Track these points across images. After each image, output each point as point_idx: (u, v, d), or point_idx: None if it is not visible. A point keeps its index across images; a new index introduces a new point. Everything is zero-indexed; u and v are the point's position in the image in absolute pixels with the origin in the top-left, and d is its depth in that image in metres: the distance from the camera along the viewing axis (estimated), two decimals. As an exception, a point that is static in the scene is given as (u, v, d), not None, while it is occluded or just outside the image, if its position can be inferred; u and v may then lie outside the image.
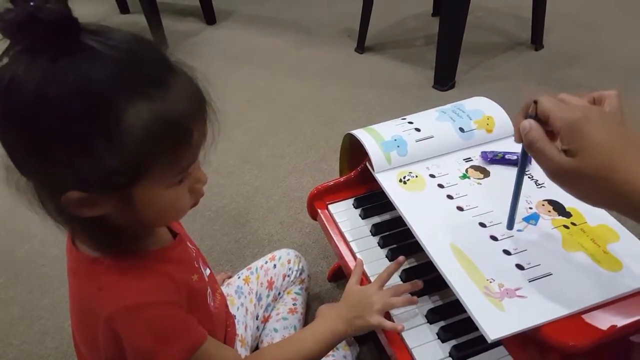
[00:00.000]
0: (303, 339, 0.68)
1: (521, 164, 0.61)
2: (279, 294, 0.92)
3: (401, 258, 0.75)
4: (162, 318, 0.53)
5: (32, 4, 0.39)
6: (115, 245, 0.52)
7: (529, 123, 0.53)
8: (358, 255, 0.81)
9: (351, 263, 0.80)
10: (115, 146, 0.42)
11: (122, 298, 0.51)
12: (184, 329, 0.54)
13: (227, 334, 0.74)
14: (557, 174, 0.50)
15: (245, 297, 0.88)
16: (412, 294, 0.73)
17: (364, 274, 0.78)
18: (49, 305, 1.10)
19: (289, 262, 0.94)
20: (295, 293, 0.93)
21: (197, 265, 0.63)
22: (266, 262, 0.94)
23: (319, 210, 0.91)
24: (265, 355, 0.68)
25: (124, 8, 2.44)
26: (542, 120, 0.53)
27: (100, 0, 2.53)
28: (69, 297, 0.58)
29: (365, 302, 0.70)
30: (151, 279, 0.54)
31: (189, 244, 0.66)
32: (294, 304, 0.90)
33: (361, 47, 2.01)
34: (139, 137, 0.42)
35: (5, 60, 0.41)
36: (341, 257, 0.83)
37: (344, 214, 0.89)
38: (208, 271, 0.69)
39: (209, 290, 0.65)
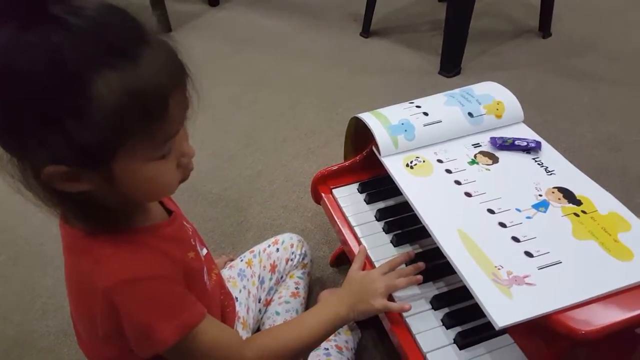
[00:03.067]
0: (305, 323, 0.67)
1: None
2: (282, 277, 0.92)
3: (412, 253, 0.74)
4: (160, 292, 0.52)
5: None
6: (106, 223, 0.51)
7: None
8: (362, 240, 0.80)
9: (355, 248, 0.80)
10: (84, 119, 0.41)
11: (120, 271, 0.50)
12: (182, 305, 0.54)
13: (225, 315, 0.73)
14: None
15: (248, 279, 0.88)
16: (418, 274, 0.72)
17: (367, 259, 0.77)
18: (50, 285, 1.10)
19: (292, 246, 0.93)
20: (298, 277, 0.92)
21: (193, 243, 0.62)
22: (269, 246, 0.93)
23: (323, 195, 0.90)
24: (267, 336, 0.67)
25: (125, -12, 2.41)
26: None
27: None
28: (65, 275, 0.57)
29: (368, 287, 0.69)
30: (147, 254, 0.53)
31: (185, 222, 0.65)
32: (296, 288, 0.90)
33: (367, 32, 1.98)
34: (108, 110, 0.41)
35: None
36: (345, 242, 0.82)
37: (348, 198, 0.88)
38: (205, 251, 0.68)
39: (205, 269, 0.64)
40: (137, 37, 0.43)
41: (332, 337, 0.82)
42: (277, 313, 0.86)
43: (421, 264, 0.73)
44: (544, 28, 1.91)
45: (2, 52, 0.39)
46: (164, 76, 0.44)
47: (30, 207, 0.50)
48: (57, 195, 0.47)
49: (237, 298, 0.83)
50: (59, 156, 0.43)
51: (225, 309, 0.74)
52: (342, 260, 1.07)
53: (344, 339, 0.84)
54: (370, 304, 0.68)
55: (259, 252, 0.93)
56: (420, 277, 0.71)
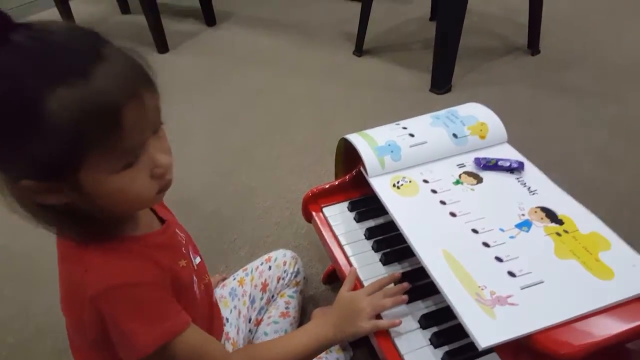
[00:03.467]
0: (292, 341, 0.68)
1: None
2: (273, 296, 0.92)
3: (397, 274, 0.76)
4: (145, 299, 0.53)
5: None
6: (94, 232, 0.53)
7: None
8: (352, 259, 0.81)
9: (344, 266, 0.81)
10: (40, 136, 0.43)
11: (107, 278, 0.51)
12: (166, 312, 0.55)
13: (213, 327, 0.74)
14: None
15: (239, 299, 0.88)
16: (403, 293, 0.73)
17: (357, 280, 0.78)
18: (44, 303, 1.10)
19: (284, 263, 0.93)
20: (289, 296, 0.92)
21: (185, 252, 0.63)
22: (262, 264, 0.94)
23: (314, 213, 0.91)
24: (253, 350, 0.69)
25: (124, 8, 2.44)
26: None
27: (102, 0, 2.53)
28: (59, 285, 0.58)
29: (356, 309, 0.70)
30: (136, 261, 0.54)
31: (178, 231, 0.66)
32: (286, 308, 0.90)
33: (359, 50, 2.01)
34: (62, 126, 0.43)
35: None
36: (335, 260, 0.83)
37: (339, 217, 0.89)
38: (198, 259, 0.69)
39: (194, 278, 0.65)
40: (91, 53, 0.45)
41: (323, 355, 0.83)
42: (265, 334, 0.86)
43: (406, 284, 0.74)
44: (533, 45, 1.95)
45: None
46: (117, 89, 0.45)
47: (24, 225, 0.52)
48: (42, 209, 0.49)
49: (227, 319, 0.84)
50: (26, 172, 0.45)
51: (212, 320, 0.74)
52: (335, 277, 1.08)
53: (335, 356, 0.85)
54: (358, 325, 0.69)
55: (252, 270, 0.93)
56: (405, 297, 0.72)
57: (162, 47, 2.07)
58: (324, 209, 0.91)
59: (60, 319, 1.03)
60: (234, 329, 0.83)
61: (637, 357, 0.70)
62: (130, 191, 0.50)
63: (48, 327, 1.06)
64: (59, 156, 0.44)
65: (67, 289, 0.57)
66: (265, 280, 0.92)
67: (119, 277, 0.52)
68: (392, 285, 0.75)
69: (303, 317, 0.98)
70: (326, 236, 0.87)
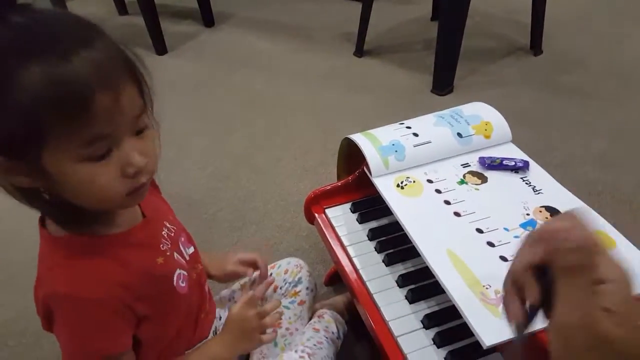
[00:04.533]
0: None
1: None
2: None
3: (271, 279, 0.81)
4: (85, 315, 0.54)
5: None
6: (72, 223, 0.53)
7: None
8: (355, 260, 0.81)
9: (348, 268, 0.80)
10: (6, 105, 0.44)
11: (60, 283, 0.52)
12: (102, 334, 0.56)
13: (199, 321, 0.72)
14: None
15: (235, 302, 0.86)
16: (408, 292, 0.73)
17: (360, 278, 0.77)
18: (44, 308, 1.10)
19: (285, 272, 0.90)
20: (284, 306, 0.86)
21: (164, 248, 0.62)
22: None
23: (316, 215, 0.91)
24: None
25: (122, 9, 2.44)
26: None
27: (100, 1, 2.53)
28: None
29: (246, 326, 0.70)
30: (97, 270, 0.54)
31: (167, 223, 0.65)
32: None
33: (360, 51, 2.01)
34: (27, 97, 0.43)
35: None
36: (338, 261, 0.83)
37: (341, 218, 0.89)
38: (192, 249, 0.69)
39: (179, 271, 0.64)
40: (77, 38, 0.46)
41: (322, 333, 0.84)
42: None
43: (271, 279, 0.81)
44: (535, 46, 1.95)
45: None
46: (93, 75, 0.45)
47: (22, 229, 0.52)
48: (18, 190, 0.50)
49: (220, 317, 0.82)
50: None
51: (199, 314, 0.73)
52: (337, 279, 1.08)
53: (324, 325, 0.86)
54: (249, 342, 0.71)
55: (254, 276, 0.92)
56: (279, 315, 0.76)
57: (161, 48, 2.07)
58: (327, 211, 0.91)
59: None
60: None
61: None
62: (94, 184, 0.49)
63: (47, 332, 1.05)
64: (22, 130, 0.45)
65: (37, 276, 0.57)
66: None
67: (70, 286, 0.52)
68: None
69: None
70: (329, 237, 0.86)
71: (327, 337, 0.83)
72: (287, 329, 0.85)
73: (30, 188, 0.49)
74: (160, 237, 0.63)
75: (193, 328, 0.71)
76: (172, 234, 0.66)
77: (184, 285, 0.65)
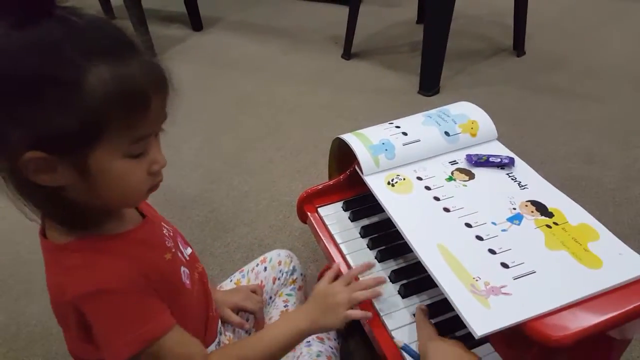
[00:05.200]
0: (266, 336, 0.68)
1: None
2: (271, 297, 0.92)
3: (373, 263, 0.79)
4: (121, 306, 0.54)
5: None
6: (78, 224, 0.54)
7: None
8: (348, 257, 0.82)
9: (341, 265, 0.82)
10: (73, 101, 0.44)
11: (84, 283, 0.52)
12: (143, 318, 0.55)
13: (209, 318, 0.73)
14: None
15: None
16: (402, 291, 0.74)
17: (338, 274, 0.79)
18: (36, 313, 1.09)
19: (279, 263, 0.93)
20: (287, 295, 0.92)
21: (169, 245, 0.64)
22: (257, 265, 0.94)
23: (309, 214, 0.92)
24: (230, 348, 0.69)
25: (110, 14, 2.44)
26: None
27: (86, 6, 2.51)
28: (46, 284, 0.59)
29: (330, 301, 0.71)
30: (117, 263, 0.54)
31: (164, 224, 0.67)
32: (285, 306, 0.91)
33: (348, 54, 2.03)
34: (97, 95, 0.45)
35: None
36: (331, 259, 0.84)
37: (334, 216, 0.90)
38: (189, 250, 0.70)
39: (183, 269, 0.65)
40: (129, 44, 0.49)
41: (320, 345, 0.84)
42: None
43: (381, 278, 0.76)
44: (518, 47, 1.99)
45: None
46: (150, 79, 0.49)
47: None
48: (33, 188, 0.49)
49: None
50: (38, 139, 0.45)
51: (208, 314, 0.74)
52: (330, 277, 1.09)
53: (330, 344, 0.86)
54: (333, 318, 0.70)
55: (247, 272, 0.93)
56: (380, 290, 0.74)
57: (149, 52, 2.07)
58: (319, 209, 0.92)
59: (51, 329, 1.04)
60: (230, 328, 0.84)
61: (620, 345, 0.73)
62: (130, 180, 0.52)
63: (39, 337, 1.05)
64: (83, 125, 0.45)
65: (51, 291, 0.57)
66: (262, 281, 0.92)
67: (96, 283, 0.52)
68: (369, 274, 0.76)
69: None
70: (322, 236, 0.88)
71: (332, 348, 0.85)
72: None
73: (51, 187, 0.49)
74: (163, 235, 0.65)
75: (203, 329, 0.71)
76: (171, 234, 0.67)
77: (188, 282, 0.66)
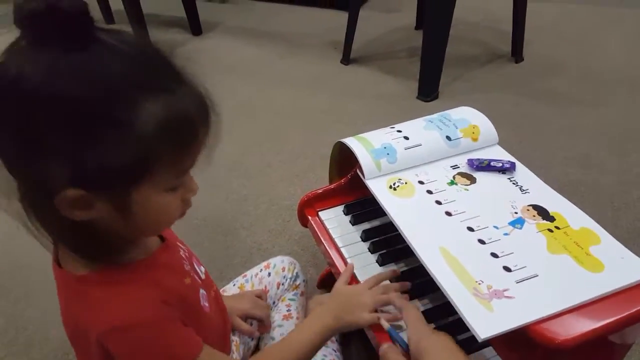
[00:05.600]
0: (295, 339, 0.69)
1: None
2: (274, 302, 0.93)
3: (398, 270, 0.78)
4: (152, 337, 0.52)
5: None
6: (101, 255, 0.51)
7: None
8: (349, 261, 0.82)
9: (342, 268, 0.82)
10: (125, 138, 0.42)
11: (111, 318, 0.50)
12: (173, 346, 0.54)
13: (226, 333, 0.73)
14: None
15: None
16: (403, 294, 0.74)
17: (354, 277, 0.79)
18: (34, 317, 1.09)
19: (283, 269, 0.94)
20: (289, 299, 0.93)
21: (187, 269, 0.63)
22: (261, 270, 0.94)
23: (310, 217, 0.92)
24: (264, 358, 0.68)
25: (109, 19, 2.44)
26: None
27: (85, 10, 2.53)
28: (61, 316, 0.56)
29: (355, 300, 0.71)
30: (140, 293, 0.53)
31: (179, 244, 0.66)
32: (287, 310, 0.91)
33: (347, 59, 2.04)
34: (148, 130, 0.42)
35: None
36: (332, 263, 0.84)
37: (334, 220, 0.91)
38: (203, 269, 0.69)
39: (202, 291, 0.65)
40: (175, 73, 0.46)
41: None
42: (272, 338, 0.87)
43: (407, 283, 0.75)
44: (516, 53, 2.00)
45: (46, 71, 0.39)
46: (198, 111, 0.47)
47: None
48: (58, 222, 0.46)
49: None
50: (82, 177, 0.42)
51: (226, 326, 0.74)
52: (330, 281, 1.09)
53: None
54: (357, 316, 0.70)
55: (251, 277, 0.94)
56: (406, 296, 0.74)
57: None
58: (320, 213, 0.92)
59: (50, 332, 1.03)
60: (235, 336, 0.84)
61: (620, 350, 0.73)
62: (167, 212, 0.51)
63: (37, 340, 1.04)
64: (133, 162, 0.43)
65: (70, 325, 0.55)
66: (265, 286, 0.92)
67: (122, 318, 0.50)
68: (388, 281, 0.77)
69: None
70: (323, 239, 0.88)
71: (335, 351, 0.85)
72: (297, 318, 0.90)
73: (84, 221, 0.46)
74: (180, 258, 0.63)
75: (222, 347, 0.70)
76: (187, 254, 0.66)
77: (207, 305, 0.65)
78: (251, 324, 0.86)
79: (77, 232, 0.48)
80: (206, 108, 0.49)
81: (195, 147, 0.48)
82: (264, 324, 0.87)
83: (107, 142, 0.41)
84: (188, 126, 0.46)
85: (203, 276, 0.68)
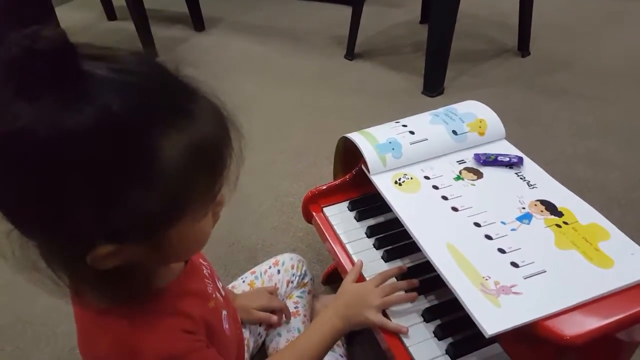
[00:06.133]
0: (305, 343, 0.68)
1: None
2: (283, 300, 0.92)
3: (405, 267, 0.77)
4: None
5: (24, 33, 0.33)
6: (126, 295, 0.47)
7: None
8: (353, 257, 0.82)
9: (347, 265, 0.81)
10: (152, 185, 0.37)
11: (139, 354, 0.47)
12: None
13: (240, 347, 0.74)
14: None
15: None
16: (410, 291, 0.74)
17: (360, 274, 0.79)
18: (41, 311, 1.09)
19: (292, 267, 0.94)
20: (297, 297, 0.93)
21: (210, 290, 0.61)
22: (270, 267, 0.94)
23: (314, 214, 0.91)
24: None
25: (111, 15, 2.44)
26: None
27: (88, 7, 2.53)
28: (79, 347, 0.54)
29: (363, 300, 0.70)
30: (167, 325, 0.50)
31: (201, 261, 0.64)
32: (295, 307, 0.90)
33: (351, 54, 2.03)
34: (175, 171, 0.38)
35: None
36: (337, 259, 0.84)
37: (339, 216, 0.90)
38: (220, 284, 0.68)
39: (224, 312, 0.63)
40: (185, 88, 0.41)
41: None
42: (279, 334, 0.87)
43: (415, 281, 0.75)
44: (523, 47, 1.98)
45: (49, 125, 0.34)
46: (215, 126, 0.42)
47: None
48: (83, 269, 0.41)
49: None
50: (118, 233, 0.38)
51: (240, 342, 0.74)
52: (334, 278, 1.09)
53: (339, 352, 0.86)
54: (365, 316, 0.69)
55: (261, 274, 0.93)
56: (415, 294, 0.73)
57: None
58: (325, 209, 0.92)
59: (57, 327, 1.03)
60: (246, 330, 0.84)
61: (629, 346, 0.72)
62: (205, 235, 0.48)
63: (45, 335, 1.05)
64: (165, 209, 0.39)
65: (88, 353, 0.53)
66: (275, 284, 0.92)
67: (150, 353, 0.47)
68: (394, 279, 0.76)
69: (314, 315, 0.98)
70: (327, 235, 0.87)
71: (342, 356, 0.85)
72: (304, 315, 0.90)
73: (118, 265, 0.42)
74: (204, 278, 0.61)
75: None
76: (209, 272, 0.64)
77: (227, 327, 0.63)
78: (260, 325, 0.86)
79: (99, 279, 0.43)
80: (224, 121, 0.44)
81: (223, 169, 0.44)
82: (282, 314, 0.86)
83: (132, 193, 0.37)
84: (212, 152, 0.42)
85: (224, 294, 0.67)
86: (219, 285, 0.67)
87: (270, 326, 0.88)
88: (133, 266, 0.44)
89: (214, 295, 0.61)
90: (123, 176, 0.36)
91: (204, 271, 0.63)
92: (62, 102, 0.34)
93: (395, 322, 0.70)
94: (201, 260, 0.64)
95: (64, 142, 0.34)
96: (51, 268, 0.43)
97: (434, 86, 1.76)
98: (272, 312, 0.85)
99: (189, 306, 0.53)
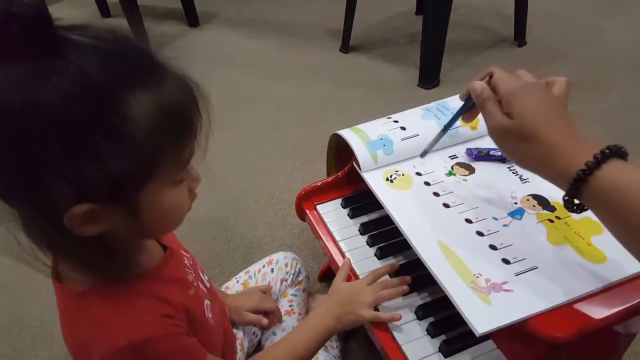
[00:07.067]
0: (295, 340, 0.68)
1: (458, 110, 0.69)
2: (277, 298, 0.92)
3: (396, 264, 0.77)
4: (154, 356, 0.50)
5: None
6: (107, 268, 0.48)
7: (481, 85, 0.62)
8: (347, 255, 0.81)
9: (340, 262, 0.81)
10: (121, 142, 0.39)
11: (114, 337, 0.48)
12: (180, 357, 0.53)
13: (227, 341, 0.72)
14: (495, 132, 0.57)
15: None
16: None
17: (352, 272, 0.78)
18: (38, 313, 1.09)
19: (286, 265, 0.94)
20: (292, 295, 0.93)
21: (191, 279, 0.61)
22: (264, 266, 0.94)
23: (307, 211, 0.91)
24: (264, 358, 0.68)
25: (105, 11, 2.42)
26: (493, 89, 0.61)
27: (81, 4, 2.51)
28: (62, 332, 0.55)
29: (355, 298, 0.70)
30: (144, 308, 0.50)
31: (183, 252, 0.64)
32: (290, 306, 0.90)
33: (346, 47, 2.01)
34: (145, 130, 0.40)
35: None
36: (330, 256, 0.83)
37: (332, 214, 0.89)
38: (206, 277, 0.68)
39: (206, 302, 0.63)
40: (152, 56, 0.44)
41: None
42: (274, 333, 0.87)
43: (407, 278, 0.74)
44: (519, 37, 1.97)
45: (23, 88, 0.36)
46: (186, 97, 0.45)
47: (18, 236, 0.49)
48: (66, 241, 0.43)
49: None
50: (87, 192, 0.40)
51: (227, 335, 0.73)
52: (330, 275, 1.08)
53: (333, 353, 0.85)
54: (358, 314, 0.69)
55: (254, 273, 0.93)
56: (406, 288, 0.73)
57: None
58: (318, 207, 0.91)
59: (54, 329, 1.03)
60: (240, 330, 0.83)
61: (625, 340, 0.72)
62: (180, 206, 0.49)
63: (43, 337, 1.05)
64: (137, 166, 0.41)
65: (72, 343, 0.53)
66: (269, 282, 0.92)
67: (127, 336, 0.48)
68: (387, 276, 0.76)
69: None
70: (321, 233, 0.87)
71: (335, 357, 0.84)
72: (299, 313, 0.90)
73: (97, 235, 0.44)
74: (185, 267, 0.62)
75: (222, 354, 0.69)
76: (191, 263, 0.64)
77: (210, 316, 0.63)
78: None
79: (82, 249, 0.45)
80: (192, 91, 0.46)
81: (192, 135, 0.46)
82: (274, 316, 0.86)
83: (103, 151, 0.39)
84: (181, 116, 0.44)
85: (207, 285, 0.66)
86: (203, 278, 0.66)
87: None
88: (112, 240, 0.46)
89: (195, 284, 0.61)
90: (97, 135, 0.39)
91: (185, 261, 0.63)
92: (39, 64, 0.37)
93: (387, 314, 0.70)
94: (182, 252, 0.64)
95: (40, 102, 0.36)
96: (32, 240, 0.45)
97: (430, 78, 1.75)
98: (265, 312, 0.85)
99: (168, 292, 0.54)
